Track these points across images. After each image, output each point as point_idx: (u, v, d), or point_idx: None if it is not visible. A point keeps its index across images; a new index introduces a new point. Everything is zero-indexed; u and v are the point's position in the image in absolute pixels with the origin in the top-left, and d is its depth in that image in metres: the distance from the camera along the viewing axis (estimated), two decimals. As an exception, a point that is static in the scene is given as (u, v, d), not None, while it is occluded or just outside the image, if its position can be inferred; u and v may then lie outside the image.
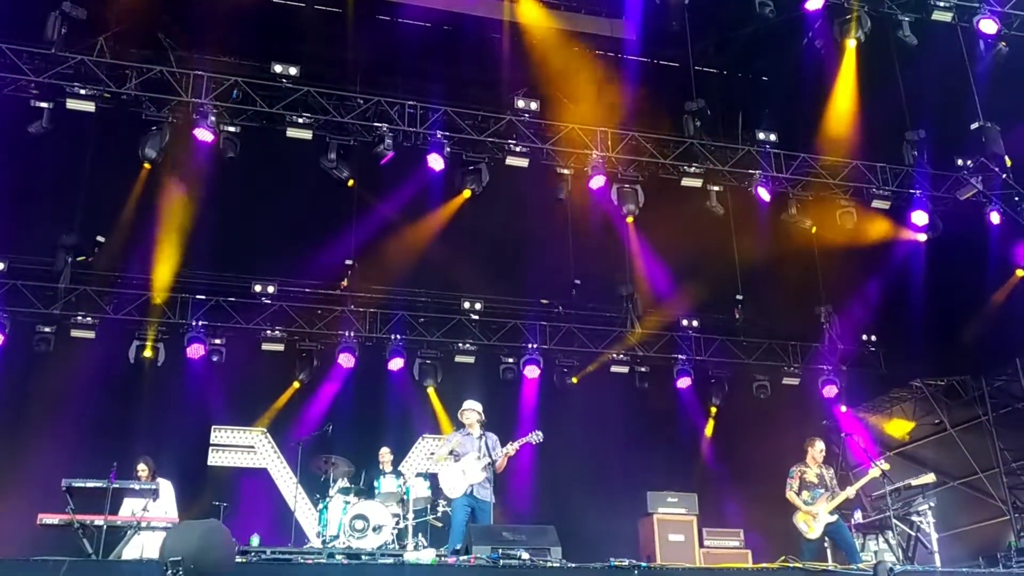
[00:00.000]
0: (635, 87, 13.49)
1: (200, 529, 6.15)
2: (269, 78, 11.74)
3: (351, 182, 12.37)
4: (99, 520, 8.20)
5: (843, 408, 15.45)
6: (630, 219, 13.11)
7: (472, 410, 9.81)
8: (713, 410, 15.54)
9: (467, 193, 12.79)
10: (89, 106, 11.06)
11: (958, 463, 14.24)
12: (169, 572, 5.74)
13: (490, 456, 9.38)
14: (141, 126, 11.36)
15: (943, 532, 11.20)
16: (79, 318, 12.75)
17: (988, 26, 11.58)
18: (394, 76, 13.49)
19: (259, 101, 11.70)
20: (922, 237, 13.33)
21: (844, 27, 11.88)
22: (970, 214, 13.01)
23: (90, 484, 8.50)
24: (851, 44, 12.07)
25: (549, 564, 7.65)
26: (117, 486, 8.56)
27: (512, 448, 9.53)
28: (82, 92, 11.01)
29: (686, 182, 12.96)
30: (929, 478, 10.94)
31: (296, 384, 13.92)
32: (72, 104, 11.01)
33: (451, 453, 9.72)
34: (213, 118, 11.44)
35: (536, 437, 9.48)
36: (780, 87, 14.52)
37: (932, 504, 10.72)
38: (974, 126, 11.83)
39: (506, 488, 9.83)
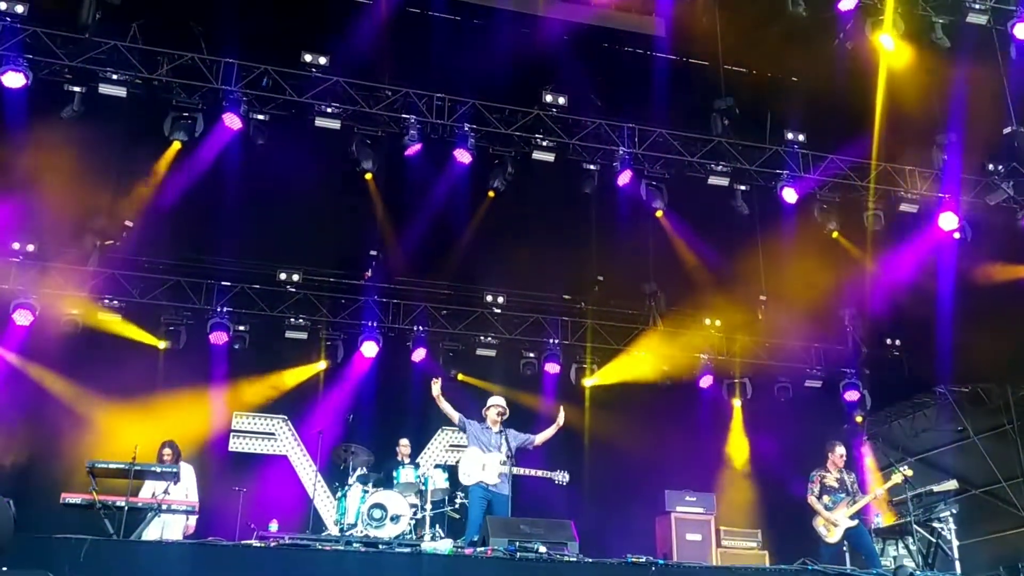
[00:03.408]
0: (664, 84, 13.42)
1: None
2: (299, 67, 11.80)
3: (368, 175, 12.43)
4: (121, 501, 8.30)
5: (859, 418, 15.34)
6: (659, 213, 13.06)
7: (496, 406, 9.84)
8: (734, 410, 15.46)
9: (491, 194, 12.86)
10: (121, 91, 11.17)
11: (980, 471, 14.11)
12: None
13: (510, 451, 9.42)
14: (171, 110, 11.46)
15: (964, 540, 11.10)
16: (106, 301, 12.87)
17: (1023, 31, 11.44)
18: (423, 68, 13.50)
19: (288, 90, 11.76)
20: (956, 235, 13.12)
21: (877, 28, 11.78)
22: (1000, 219, 12.87)
23: (112, 465, 8.62)
24: (883, 45, 11.96)
25: (566, 558, 7.66)
26: (139, 468, 8.66)
27: (534, 471, 9.60)
28: (114, 77, 11.13)
29: (713, 181, 12.90)
30: (951, 485, 10.84)
31: (318, 370, 13.99)
32: (104, 89, 11.13)
33: (456, 423, 9.78)
34: (244, 106, 11.53)
35: (561, 477, 9.51)
36: (810, 87, 14.40)
37: (954, 511, 10.63)
38: (1006, 131, 11.70)
39: (523, 482, 9.85)
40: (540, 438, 9.80)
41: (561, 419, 9.79)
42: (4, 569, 5.94)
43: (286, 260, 13.61)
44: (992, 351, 13.06)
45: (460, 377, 14.28)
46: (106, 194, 12.34)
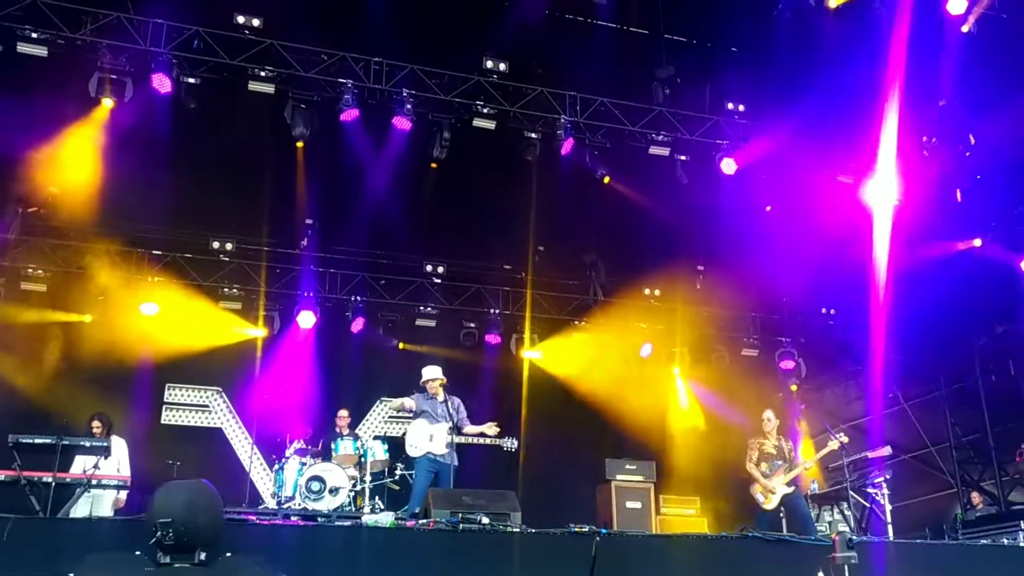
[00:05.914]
0: (605, 53, 13.31)
1: (188, 490, 6.13)
2: (231, 29, 11.39)
3: (300, 144, 12.12)
4: (47, 477, 8.01)
5: (793, 388, 15.61)
6: (607, 179, 13.00)
7: (435, 377, 9.74)
8: (673, 379, 15.59)
9: (433, 165, 12.65)
10: (42, 51, 10.65)
11: (910, 437, 14.50)
12: (159, 533, 5.78)
13: (454, 420, 9.34)
14: (96, 71, 10.97)
15: (894, 503, 11.40)
16: (30, 271, 12.40)
17: (955, 6, 11.57)
18: (360, 32, 13.17)
19: (220, 52, 11.35)
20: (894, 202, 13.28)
21: (819, -3, 11.86)
22: (932, 190, 13.09)
23: (38, 440, 8.31)
24: (831, 5, 12.03)
25: (509, 529, 7.61)
26: (67, 442, 8.37)
27: (482, 439, 9.55)
28: (34, 36, 10.58)
29: (653, 150, 12.88)
30: (885, 451, 11.11)
31: (253, 340, 13.71)
32: (23, 48, 10.59)
33: (412, 412, 9.66)
34: (174, 69, 11.09)
35: (509, 443, 9.46)
36: (750, 57, 14.43)
37: (888, 476, 10.88)
38: (942, 103, 11.87)
39: (466, 452, 9.79)
40: (468, 430, 9.68)
41: (490, 431, 9.66)
42: (228, 555, 6.11)
43: (219, 228, 13.26)
44: (918, 320, 13.36)
45: (402, 346, 14.18)
46: (29, 159, 11.81)
